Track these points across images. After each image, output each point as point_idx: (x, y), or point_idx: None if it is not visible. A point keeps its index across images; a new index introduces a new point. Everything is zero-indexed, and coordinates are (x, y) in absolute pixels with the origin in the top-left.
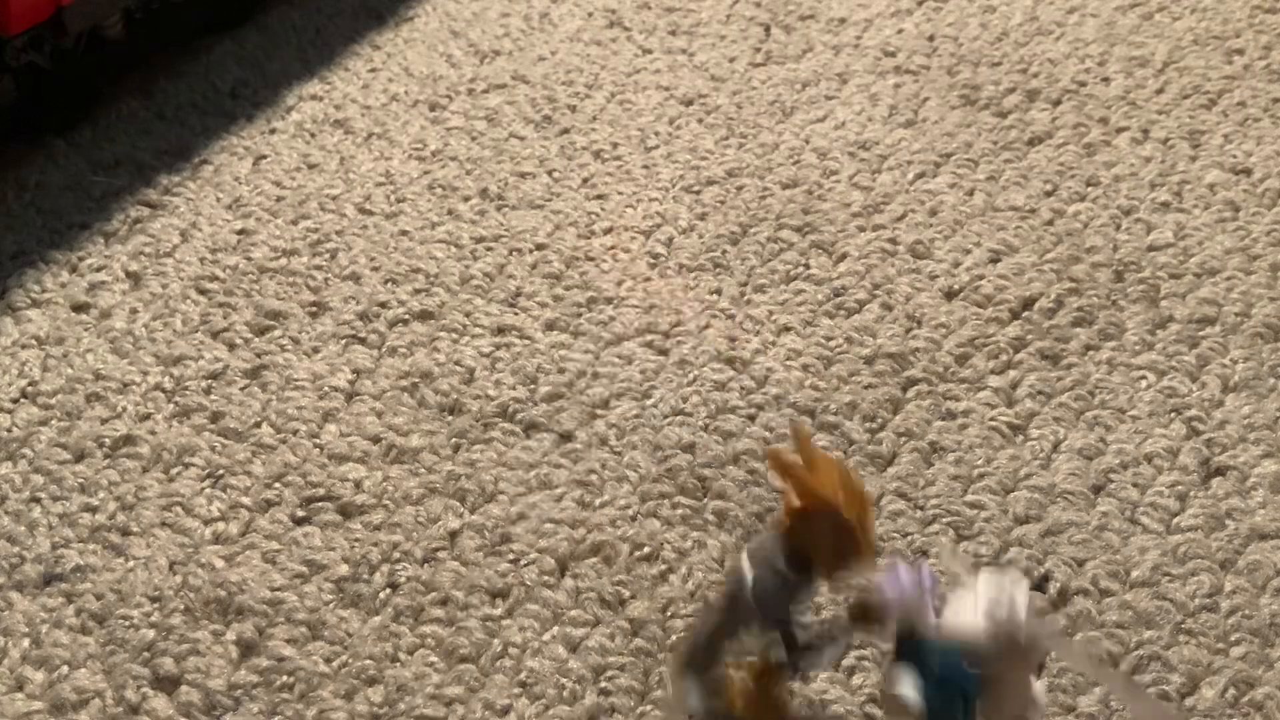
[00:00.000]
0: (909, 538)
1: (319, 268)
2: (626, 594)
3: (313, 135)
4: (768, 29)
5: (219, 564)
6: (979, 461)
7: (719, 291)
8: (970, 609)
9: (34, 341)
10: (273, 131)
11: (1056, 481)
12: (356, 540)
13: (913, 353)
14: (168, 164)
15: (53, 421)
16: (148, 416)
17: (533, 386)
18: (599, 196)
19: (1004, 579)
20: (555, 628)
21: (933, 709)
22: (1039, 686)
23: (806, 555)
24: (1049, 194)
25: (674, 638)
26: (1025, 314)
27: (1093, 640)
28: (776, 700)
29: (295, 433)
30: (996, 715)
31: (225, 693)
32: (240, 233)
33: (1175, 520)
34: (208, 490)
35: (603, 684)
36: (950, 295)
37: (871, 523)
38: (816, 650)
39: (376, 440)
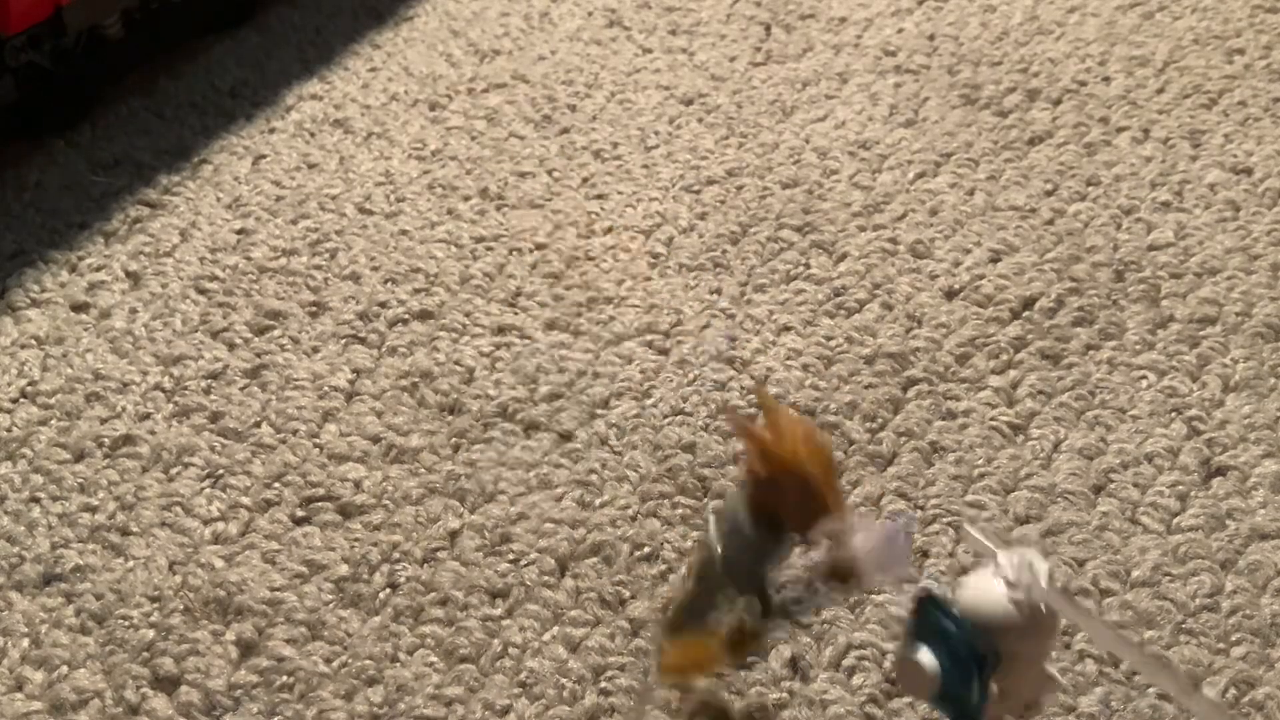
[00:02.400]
0: (909, 537)
1: (319, 267)
2: (626, 594)
3: (312, 135)
4: (768, 28)
5: (219, 564)
6: (979, 461)
7: (719, 291)
8: (991, 582)
9: (34, 341)
10: (272, 131)
11: (1057, 481)
12: (356, 540)
13: (913, 352)
14: (167, 164)
15: (52, 421)
16: (147, 416)
17: (533, 386)
18: (599, 196)
19: (1026, 554)
20: (555, 628)
21: (948, 679)
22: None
23: (775, 516)
24: (1049, 193)
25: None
26: (1026, 314)
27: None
28: (745, 664)
29: (295, 433)
30: (1013, 690)
31: (225, 693)
32: (240, 232)
33: (1176, 520)
34: (207, 490)
35: (603, 684)
36: (950, 295)
37: (836, 479)
38: (794, 609)
39: (376, 440)
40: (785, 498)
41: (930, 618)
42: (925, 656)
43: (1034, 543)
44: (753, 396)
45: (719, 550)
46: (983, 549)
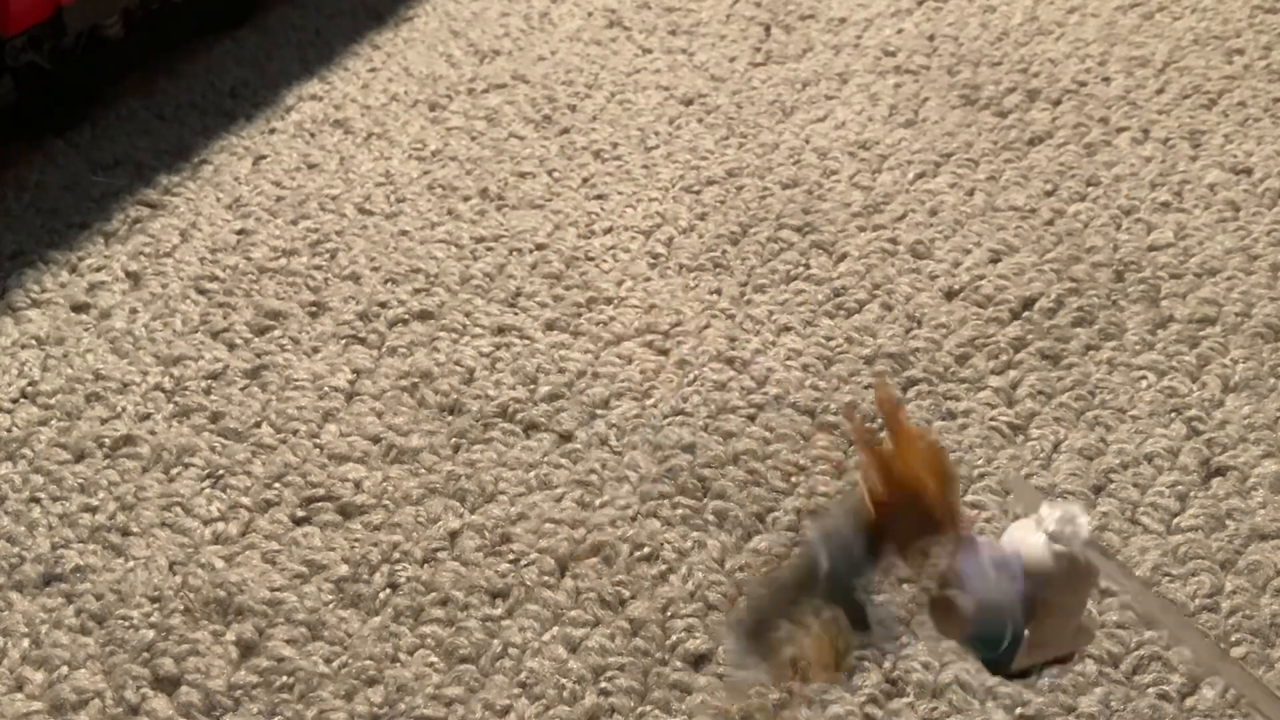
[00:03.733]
0: None
1: (319, 268)
2: (626, 594)
3: (313, 135)
4: (768, 29)
5: (219, 564)
6: (979, 461)
7: (719, 291)
8: (1034, 532)
9: (34, 341)
10: (272, 131)
11: (1057, 481)
12: (356, 540)
13: (913, 353)
14: (168, 164)
15: (53, 421)
16: (148, 416)
17: (533, 386)
18: (599, 196)
19: (1069, 508)
20: (555, 628)
21: (981, 621)
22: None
23: (883, 538)
24: (1049, 194)
25: (674, 637)
26: (1025, 314)
27: (1101, 632)
28: (831, 671)
29: (295, 433)
30: (1046, 639)
31: (225, 693)
32: (240, 233)
33: (1175, 520)
34: (208, 490)
35: (603, 684)
36: (950, 295)
37: (958, 503)
38: (880, 630)
39: (376, 440)
40: (902, 525)
41: (969, 560)
42: (961, 596)
43: (1077, 500)
44: (877, 405)
45: (825, 566)
46: (1029, 500)
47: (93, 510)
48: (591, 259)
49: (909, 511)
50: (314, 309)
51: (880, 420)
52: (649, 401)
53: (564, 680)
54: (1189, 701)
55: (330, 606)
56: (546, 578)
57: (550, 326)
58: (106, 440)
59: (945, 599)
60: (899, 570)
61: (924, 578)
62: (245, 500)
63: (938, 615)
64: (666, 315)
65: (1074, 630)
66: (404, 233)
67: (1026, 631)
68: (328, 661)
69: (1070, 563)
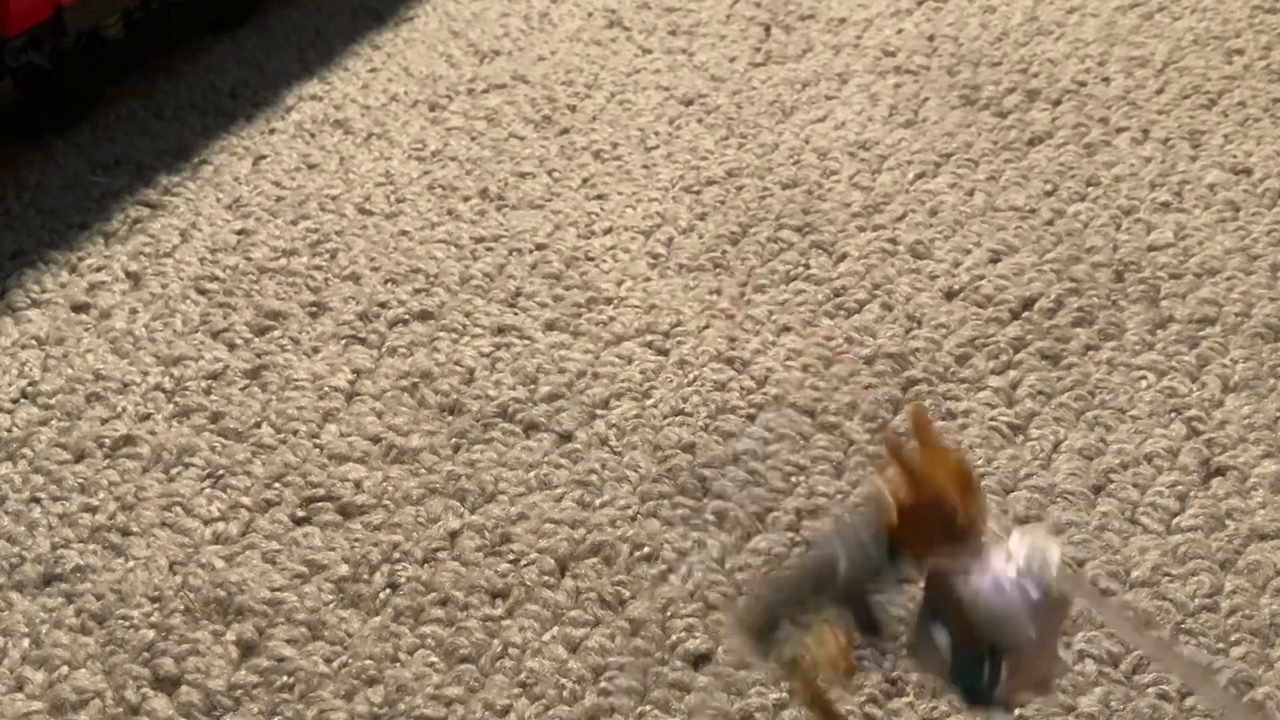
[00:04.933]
0: None
1: (319, 268)
2: (626, 594)
3: (313, 135)
4: (768, 29)
5: (219, 564)
6: (979, 461)
7: (719, 292)
8: (1003, 564)
9: (34, 341)
10: (272, 131)
11: (1057, 481)
12: (356, 540)
13: (913, 353)
14: (167, 164)
15: (53, 421)
16: (148, 416)
17: (533, 386)
18: (599, 196)
19: (1037, 536)
20: (555, 628)
21: (959, 658)
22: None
23: (902, 544)
24: (1049, 194)
25: (674, 637)
26: (1025, 314)
27: (1093, 637)
28: (841, 673)
29: (295, 433)
30: (1023, 672)
31: (225, 693)
32: (240, 233)
33: (1175, 520)
34: (208, 490)
35: (603, 684)
36: (950, 295)
37: (982, 512)
38: (885, 629)
39: (376, 440)
40: (924, 530)
41: (941, 596)
42: (940, 635)
43: (1046, 529)
44: (907, 416)
45: (844, 566)
46: (995, 533)
47: (93, 510)
48: (591, 259)
49: (931, 519)
50: (314, 309)
51: (908, 430)
52: (649, 401)
53: (564, 680)
54: (1189, 701)
55: (330, 606)
56: (546, 578)
57: (550, 326)
58: (106, 440)
59: (926, 640)
60: (914, 576)
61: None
62: (245, 500)
63: (921, 656)
64: (666, 315)
65: (1051, 659)
66: (404, 233)
67: (1004, 667)
68: (328, 661)
69: (1043, 594)
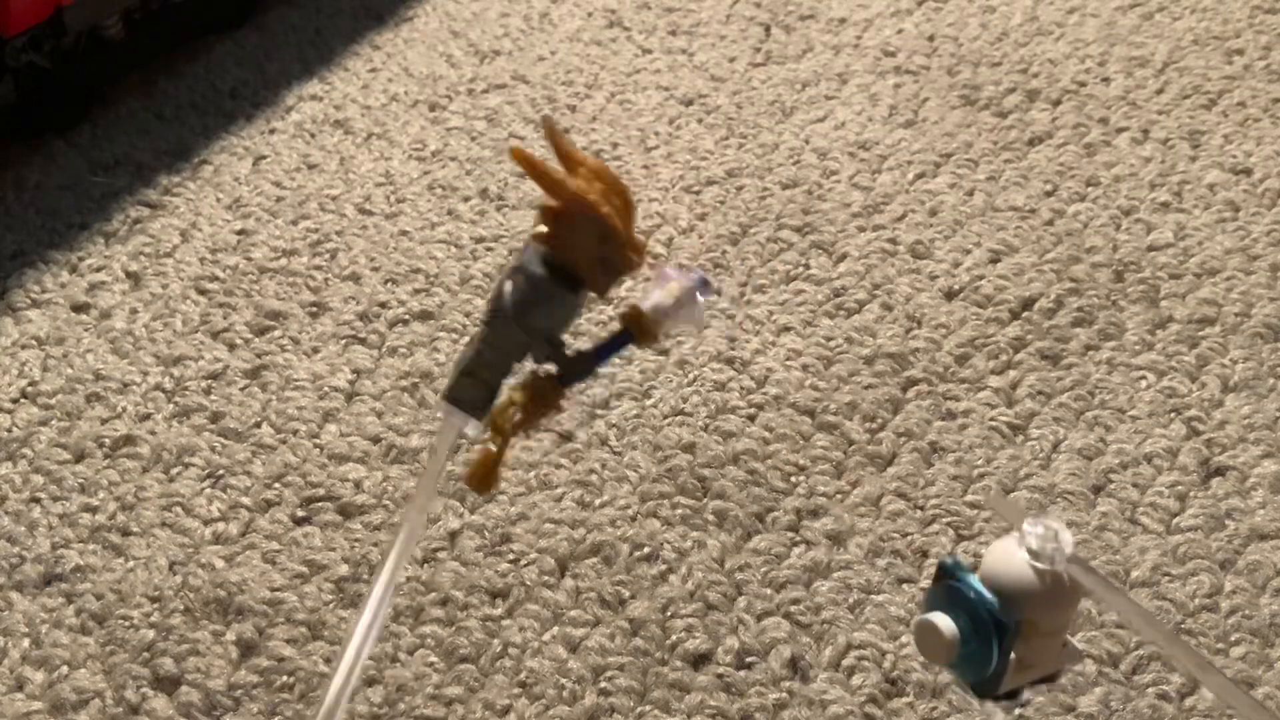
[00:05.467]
0: (909, 538)
1: (319, 268)
2: (626, 594)
3: (313, 135)
4: (768, 29)
5: (219, 564)
6: (979, 461)
7: (719, 292)
8: (1015, 550)
9: (34, 341)
10: (272, 131)
11: (1056, 481)
12: (356, 540)
13: (913, 353)
14: (167, 164)
15: (53, 421)
16: (148, 416)
17: None
18: None
19: (1051, 523)
20: (555, 628)
21: (966, 646)
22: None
23: (572, 267)
24: (1049, 194)
25: (674, 637)
26: (1025, 314)
27: (1094, 640)
28: (546, 415)
29: (295, 433)
30: (1033, 660)
31: (225, 693)
32: (240, 233)
33: (1175, 520)
34: (208, 490)
35: (602, 684)
36: (950, 295)
37: (633, 222)
38: (586, 360)
39: (377, 440)
40: (579, 242)
41: (951, 583)
42: (944, 621)
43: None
44: (543, 130)
45: (508, 290)
46: (1010, 518)
47: (93, 510)
48: None
49: (585, 229)
50: (314, 309)
51: (546, 141)
52: (649, 401)
53: (564, 680)
54: (1189, 701)
55: (330, 606)
56: (546, 578)
57: None
58: (106, 440)
59: (929, 625)
60: (590, 293)
61: (625, 311)
62: (245, 500)
63: (923, 641)
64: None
65: (1060, 649)
66: (404, 233)
67: (1013, 655)
68: (328, 661)
69: (1053, 581)
